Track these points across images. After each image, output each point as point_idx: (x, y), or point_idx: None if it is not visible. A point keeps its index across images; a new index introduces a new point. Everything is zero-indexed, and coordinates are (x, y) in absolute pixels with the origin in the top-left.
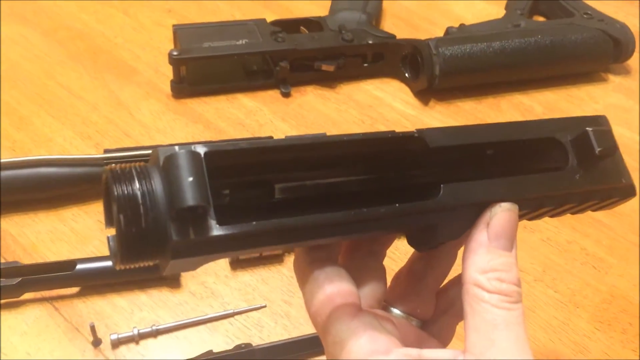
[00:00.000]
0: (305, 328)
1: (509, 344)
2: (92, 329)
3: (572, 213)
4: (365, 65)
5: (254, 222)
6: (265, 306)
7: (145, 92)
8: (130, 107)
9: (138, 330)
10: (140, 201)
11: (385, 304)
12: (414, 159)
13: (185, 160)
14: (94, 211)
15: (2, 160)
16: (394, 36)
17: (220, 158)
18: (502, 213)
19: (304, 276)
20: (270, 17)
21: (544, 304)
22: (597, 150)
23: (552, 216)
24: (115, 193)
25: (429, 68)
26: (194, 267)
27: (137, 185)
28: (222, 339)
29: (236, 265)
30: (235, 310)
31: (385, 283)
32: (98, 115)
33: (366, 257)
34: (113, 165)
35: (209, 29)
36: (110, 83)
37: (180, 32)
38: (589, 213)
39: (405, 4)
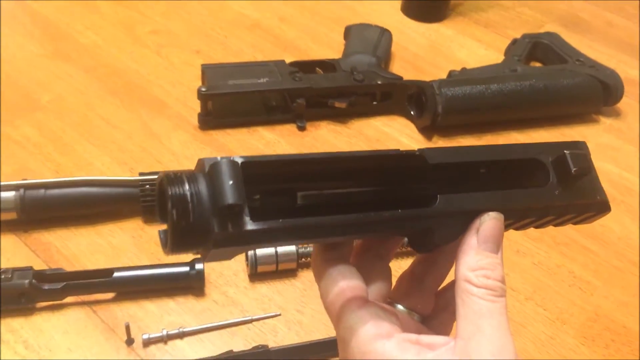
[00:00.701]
0: (315, 334)
1: (492, 329)
2: (127, 328)
3: (554, 225)
4: (375, 103)
5: (280, 220)
6: (280, 314)
7: (174, 124)
8: (161, 137)
9: (167, 331)
10: (189, 199)
11: (390, 301)
12: (416, 173)
13: (227, 167)
14: (129, 227)
15: (49, 180)
16: (401, 77)
17: (254, 167)
18: (489, 221)
19: (320, 273)
20: (288, 59)
21: (534, 320)
22: (573, 169)
23: (536, 227)
24: (170, 192)
25: (432, 107)
26: (229, 257)
27: (186, 186)
28: (240, 341)
29: (254, 278)
30: (253, 317)
31: (391, 282)
32: (132, 143)
33: (374, 259)
34: (168, 171)
35: (234, 68)
36: (144, 115)
37: (208, 71)
38: (577, 239)
39: (412, 49)
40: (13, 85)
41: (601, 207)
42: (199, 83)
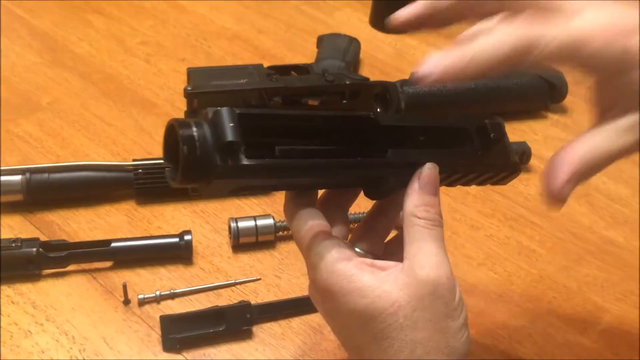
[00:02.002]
0: (292, 295)
1: (432, 250)
2: (124, 287)
3: (477, 184)
4: (344, 101)
5: (267, 159)
6: (260, 279)
7: (163, 121)
8: (151, 132)
9: (160, 293)
10: (196, 138)
11: (348, 243)
12: (370, 132)
13: (228, 113)
14: (123, 208)
15: (52, 165)
16: (367, 78)
17: (245, 120)
18: (427, 170)
19: (292, 214)
20: (266, 65)
21: (486, 282)
22: (492, 134)
23: (462, 184)
24: (180, 133)
25: (396, 103)
26: (224, 194)
27: (194, 128)
28: (225, 302)
29: (237, 249)
30: (236, 281)
31: (349, 228)
32: (125, 138)
33: (335, 209)
34: (176, 118)
35: (217, 71)
36: (135, 114)
37: (193, 73)
38: (525, 215)
39: (379, 57)
40: (15, 90)
41: (513, 168)
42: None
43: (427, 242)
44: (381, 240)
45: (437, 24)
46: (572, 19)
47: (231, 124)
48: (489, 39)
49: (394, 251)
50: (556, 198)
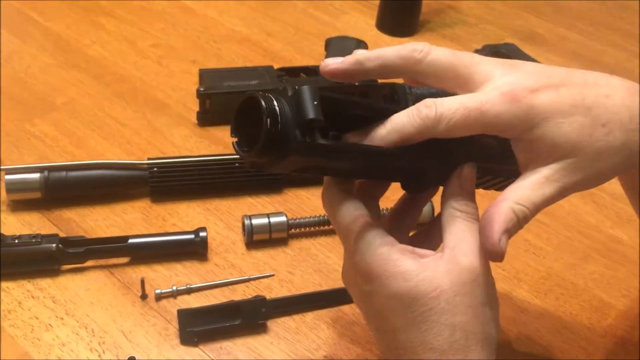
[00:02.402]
0: (305, 291)
1: (473, 241)
2: (142, 282)
3: (484, 188)
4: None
5: (337, 142)
6: (273, 275)
7: (175, 121)
8: (164, 132)
9: (176, 287)
10: (278, 112)
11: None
12: None
13: (311, 92)
14: (139, 206)
15: (69, 163)
16: (375, 80)
17: (326, 101)
18: (467, 168)
19: (333, 201)
20: (275, 67)
21: (494, 279)
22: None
23: (485, 188)
24: (264, 106)
25: (404, 104)
26: (289, 169)
27: (275, 102)
28: (239, 297)
29: (250, 246)
30: (250, 277)
31: (380, 217)
32: (139, 138)
33: (369, 199)
34: (258, 91)
35: (228, 72)
36: (148, 114)
37: (205, 74)
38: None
39: None
40: (30, 90)
41: (517, 173)
42: (196, 88)
43: (467, 234)
44: (406, 234)
45: (361, 78)
46: (479, 88)
47: (315, 102)
48: (396, 123)
49: (418, 245)
50: (494, 252)
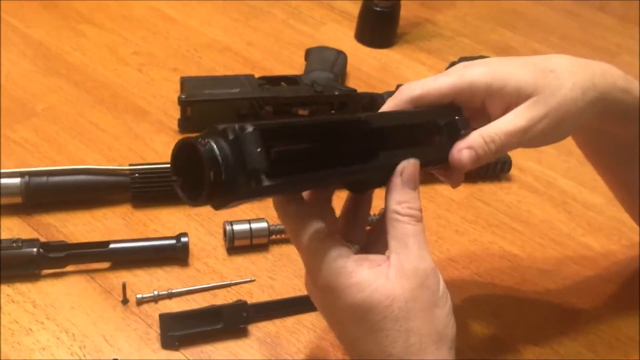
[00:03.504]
0: (285, 296)
1: (415, 244)
2: (124, 287)
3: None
4: (332, 112)
5: (284, 177)
6: (254, 280)
7: (156, 128)
8: (145, 139)
9: (157, 292)
10: (221, 162)
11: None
12: (363, 135)
13: (255, 137)
14: (120, 212)
15: (51, 168)
16: (355, 90)
17: (268, 136)
18: (409, 166)
19: (285, 214)
20: (256, 76)
21: (470, 284)
22: (462, 131)
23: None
24: (204, 156)
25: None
26: (237, 205)
27: (217, 151)
28: (220, 302)
29: (231, 251)
30: (231, 282)
31: (336, 217)
32: (120, 144)
33: (323, 202)
34: (192, 138)
35: (209, 80)
36: (129, 121)
37: (186, 82)
38: (507, 222)
39: (365, 70)
40: (10, 96)
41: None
42: (177, 95)
43: (410, 238)
44: (362, 227)
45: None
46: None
47: (258, 150)
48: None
49: (376, 239)
50: (453, 161)
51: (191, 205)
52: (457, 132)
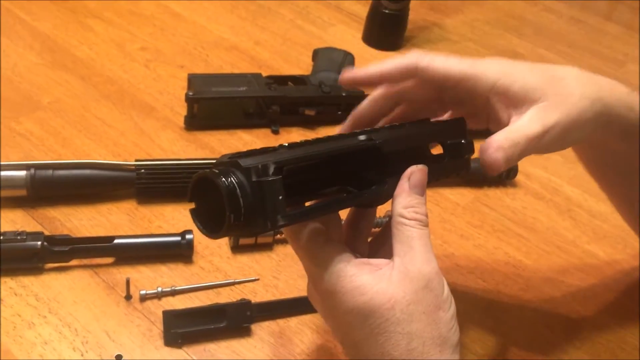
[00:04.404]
0: (289, 295)
1: (420, 248)
2: (127, 283)
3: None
4: (340, 112)
5: (296, 213)
6: (258, 279)
7: (162, 124)
8: (151, 135)
9: (161, 289)
10: (242, 206)
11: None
12: (374, 159)
13: (274, 187)
14: (125, 207)
15: (56, 162)
16: (362, 91)
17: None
18: (418, 172)
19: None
20: (263, 75)
21: (475, 289)
22: (465, 156)
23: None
24: (227, 200)
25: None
26: None
27: (239, 191)
28: (224, 300)
29: (236, 250)
30: (235, 281)
31: (342, 227)
32: (125, 139)
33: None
34: (221, 176)
35: (217, 78)
36: (135, 117)
37: (194, 79)
38: (512, 228)
39: None
40: (16, 89)
41: (468, 166)
42: (184, 92)
43: (415, 241)
44: (365, 237)
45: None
46: None
47: (280, 197)
48: None
49: (377, 249)
50: (490, 163)
51: (206, 235)
52: (461, 153)
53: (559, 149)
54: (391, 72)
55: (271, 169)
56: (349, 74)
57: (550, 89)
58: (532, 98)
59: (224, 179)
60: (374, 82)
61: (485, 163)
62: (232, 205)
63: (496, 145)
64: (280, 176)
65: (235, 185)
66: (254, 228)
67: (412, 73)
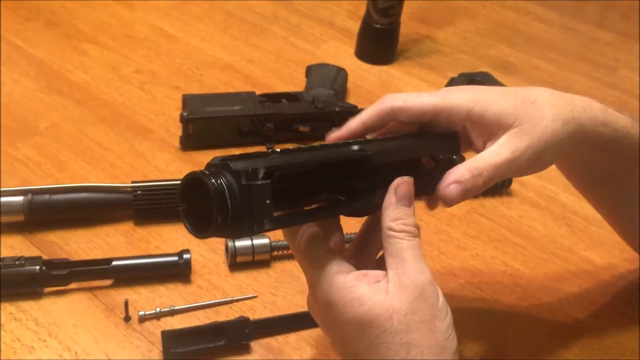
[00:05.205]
0: (288, 312)
1: (411, 259)
2: (126, 304)
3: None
4: (334, 128)
5: (284, 217)
6: (256, 296)
7: (158, 146)
8: (147, 156)
9: (159, 309)
10: (230, 208)
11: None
12: (366, 169)
13: (265, 189)
14: (122, 229)
15: (53, 186)
16: (355, 106)
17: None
18: (403, 184)
19: (292, 231)
20: (257, 93)
21: (472, 299)
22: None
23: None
24: (215, 198)
25: None
26: None
27: (228, 197)
28: (223, 318)
29: (233, 267)
30: (233, 298)
31: (343, 233)
32: (122, 162)
33: (332, 222)
34: (210, 177)
35: (211, 97)
36: (131, 139)
37: (188, 100)
38: (508, 237)
39: (365, 86)
40: (13, 115)
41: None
42: (179, 113)
43: (405, 252)
44: (373, 258)
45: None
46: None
47: (267, 202)
48: None
49: (382, 263)
50: (442, 197)
51: (193, 235)
52: (449, 167)
53: (536, 170)
54: (371, 120)
55: (261, 173)
56: (333, 135)
57: (522, 113)
58: (506, 124)
59: (213, 180)
60: (358, 134)
61: (439, 196)
62: (220, 206)
63: (452, 179)
64: (270, 181)
65: (225, 186)
66: (240, 230)
67: (390, 116)
